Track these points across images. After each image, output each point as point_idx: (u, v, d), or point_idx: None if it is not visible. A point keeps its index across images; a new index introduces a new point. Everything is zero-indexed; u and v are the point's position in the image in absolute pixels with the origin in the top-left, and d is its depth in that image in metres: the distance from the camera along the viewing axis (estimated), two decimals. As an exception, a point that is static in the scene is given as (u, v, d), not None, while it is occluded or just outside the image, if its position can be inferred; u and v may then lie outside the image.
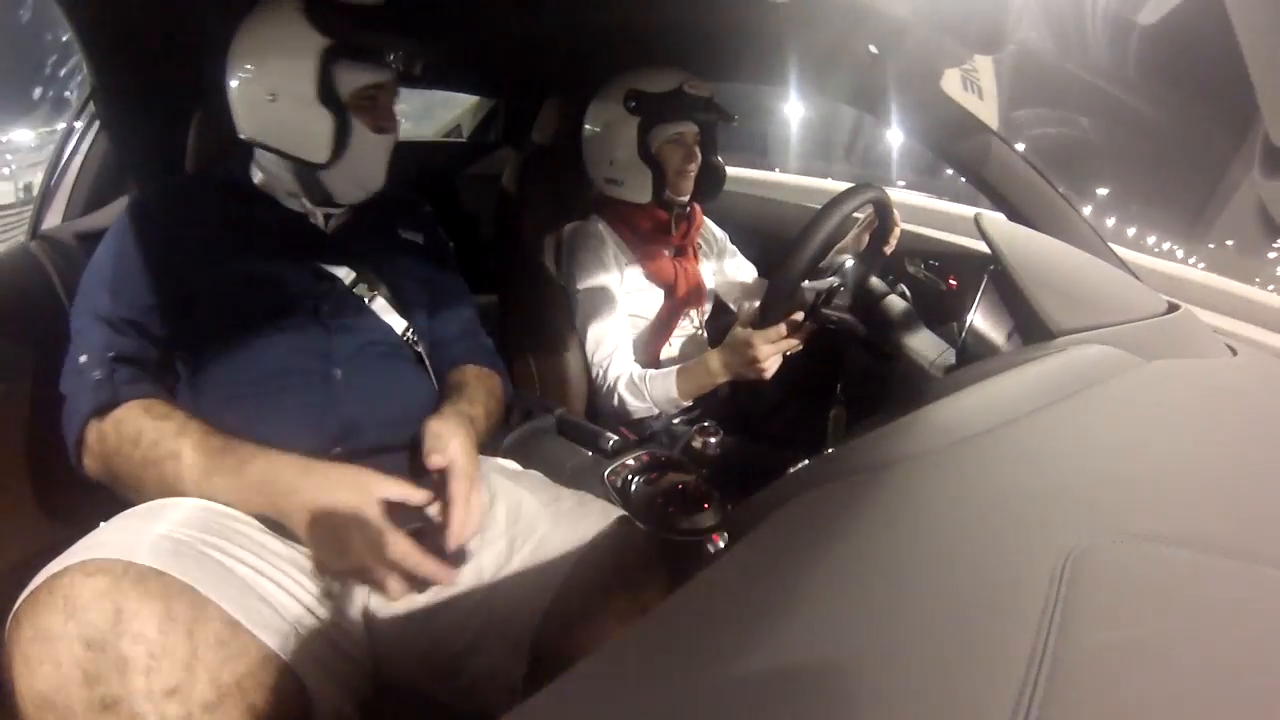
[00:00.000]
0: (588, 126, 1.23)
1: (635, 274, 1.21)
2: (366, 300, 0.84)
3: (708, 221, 1.37)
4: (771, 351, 1.00)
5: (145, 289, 0.76)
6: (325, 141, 0.82)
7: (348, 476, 0.63)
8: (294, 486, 0.62)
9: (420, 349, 0.87)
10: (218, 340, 0.76)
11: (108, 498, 0.67)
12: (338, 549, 0.60)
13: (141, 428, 0.66)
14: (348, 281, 0.84)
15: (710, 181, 1.23)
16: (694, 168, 1.18)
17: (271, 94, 0.82)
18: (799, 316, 0.98)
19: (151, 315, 0.76)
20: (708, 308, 1.30)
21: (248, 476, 0.63)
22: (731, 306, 1.35)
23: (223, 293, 0.77)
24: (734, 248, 1.39)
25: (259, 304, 0.78)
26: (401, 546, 0.60)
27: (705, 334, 1.30)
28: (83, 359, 0.71)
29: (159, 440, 0.65)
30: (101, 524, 0.59)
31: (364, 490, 0.62)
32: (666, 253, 1.23)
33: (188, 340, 0.77)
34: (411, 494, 0.64)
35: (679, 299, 1.21)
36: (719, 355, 1.07)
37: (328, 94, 0.81)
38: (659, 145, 1.16)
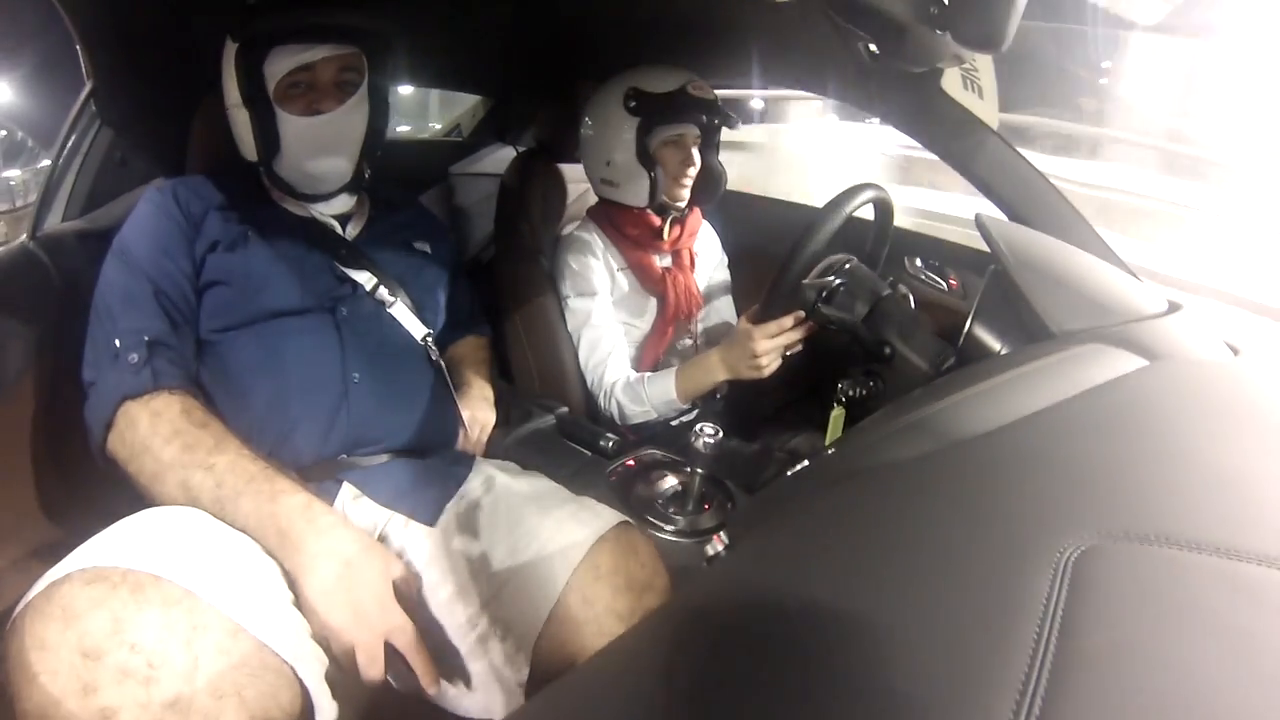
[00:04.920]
0: (586, 125, 1.21)
1: (627, 280, 1.20)
2: (386, 305, 0.85)
3: (712, 236, 1.36)
4: (770, 347, 0.99)
5: (175, 275, 0.75)
6: (249, 141, 0.83)
7: (375, 550, 0.63)
8: (318, 535, 0.61)
9: (436, 355, 0.87)
10: (235, 337, 0.76)
11: (109, 499, 0.67)
12: (348, 617, 0.58)
13: (178, 428, 0.65)
14: (368, 287, 0.84)
15: (709, 185, 1.21)
16: (692, 172, 1.16)
17: (227, 105, 0.84)
18: (800, 314, 0.97)
19: (181, 303, 0.75)
20: (702, 316, 1.29)
21: (278, 513, 0.61)
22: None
23: (242, 290, 0.77)
24: (726, 276, 1.37)
25: (278, 303, 0.78)
26: (411, 634, 0.60)
27: (700, 343, 1.28)
28: (116, 342, 0.69)
29: (193, 446, 0.64)
30: (102, 529, 0.58)
31: (387, 567, 0.62)
32: (658, 259, 1.22)
33: (205, 334, 0.77)
34: (410, 577, 0.65)
35: (670, 307, 1.20)
36: (718, 352, 1.06)
37: (248, 92, 0.81)
38: (657, 147, 1.14)
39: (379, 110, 0.87)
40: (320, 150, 0.83)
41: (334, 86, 0.82)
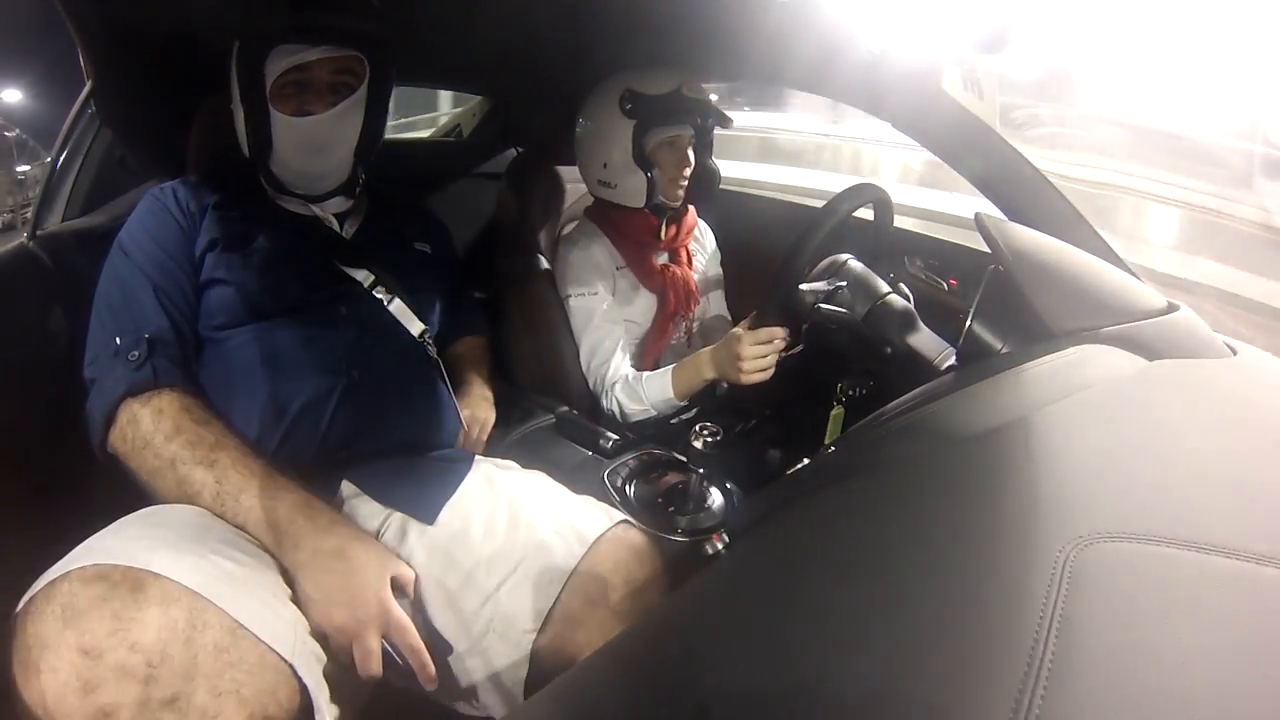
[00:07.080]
0: (581, 127, 1.21)
1: (626, 278, 1.20)
2: (385, 303, 0.85)
3: (707, 232, 1.36)
4: (756, 353, 0.98)
5: (175, 274, 0.76)
6: (244, 138, 0.83)
7: (374, 548, 0.64)
8: (317, 533, 0.62)
9: (434, 352, 0.88)
10: (234, 335, 0.76)
11: (109, 498, 0.67)
12: (345, 609, 0.59)
13: (179, 425, 0.66)
14: (366, 284, 0.85)
15: (704, 185, 1.21)
16: (688, 172, 1.17)
17: (232, 102, 0.84)
18: (793, 325, 0.97)
19: (181, 302, 0.76)
20: (700, 312, 1.28)
21: (278, 510, 0.62)
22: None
23: (241, 288, 0.77)
24: (719, 273, 1.37)
25: (277, 301, 0.78)
26: (410, 632, 0.60)
27: (698, 339, 1.28)
28: (117, 340, 0.70)
29: (195, 443, 0.65)
30: (102, 527, 0.58)
31: (385, 565, 0.63)
32: (656, 256, 1.22)
33: (205, 332, 0.77)
34: (409, 574, 0.65)
35: (669, 303, 1.20)
36: (709, 351, 1.07)
37: (245, 89, 0.81)
38: (653, 148, 1.14)
39: (376, 114, 0.87)
40: (308, 150, 0.83)
41: (327, 89, 0.82)
